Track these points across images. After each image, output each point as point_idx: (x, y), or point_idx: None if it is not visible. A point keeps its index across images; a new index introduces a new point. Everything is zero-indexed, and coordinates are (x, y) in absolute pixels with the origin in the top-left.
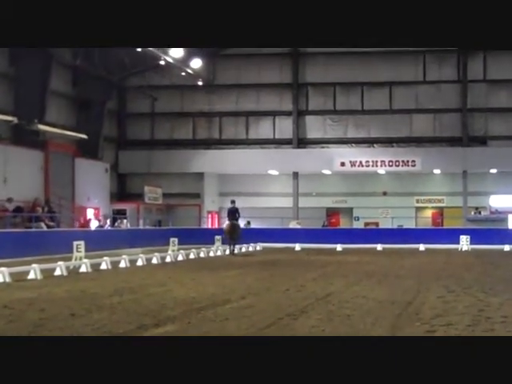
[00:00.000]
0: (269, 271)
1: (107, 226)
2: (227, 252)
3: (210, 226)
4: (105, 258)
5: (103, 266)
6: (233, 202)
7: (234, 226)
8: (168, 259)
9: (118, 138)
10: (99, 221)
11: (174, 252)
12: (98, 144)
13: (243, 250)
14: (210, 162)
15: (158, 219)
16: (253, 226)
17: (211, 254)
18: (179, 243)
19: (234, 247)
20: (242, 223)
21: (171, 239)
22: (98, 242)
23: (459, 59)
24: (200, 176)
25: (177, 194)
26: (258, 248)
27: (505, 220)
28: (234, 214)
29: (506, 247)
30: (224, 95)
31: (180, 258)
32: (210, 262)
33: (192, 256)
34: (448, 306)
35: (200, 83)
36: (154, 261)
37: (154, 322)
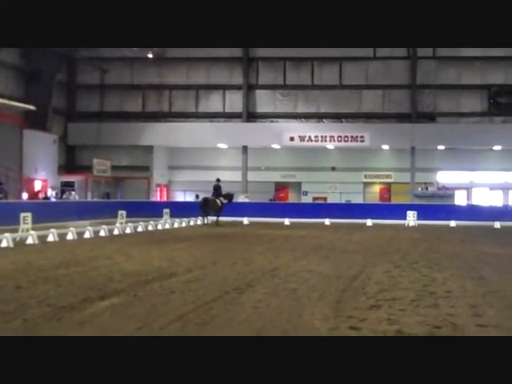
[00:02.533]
0: (216, 245)
1: (52, 198)
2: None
3: (158, 199)
4: (52, 230)
5: (50, 238)
6: (218, 180)
7: (205, 201)
8: (116, 232)
9: (67, 110)
10: (45, 193)
11: (122, 225)
12: (47, 115)
13: (191, 223)
14: (159, 134)
15: (107, 192)
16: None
17: (159, 227)
18: (127, 216)
19: (207, 219)
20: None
21: (119, 212)
22: (46, 213)
23: None
24: (149, 149)
25: (126, 166)
26: (206, 221)
27: (451, 196)
28: (216, 190)
29: (452, 223)
30: (174, 68)
31: (128, 230)
32: (157, 235)
33: (140, 229)
34: (393, 281)
35: (150, 56)
36: (102, 233)
37: (99, 295)
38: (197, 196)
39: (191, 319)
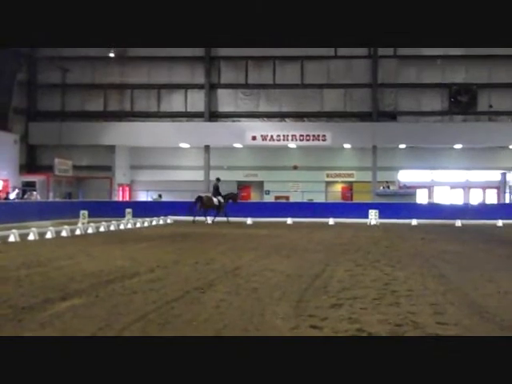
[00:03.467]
0: (178, 244)
1: (14, 198)
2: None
3: (120, 199)
4: (13, 230)
5: (11, 239)
6: (217, 179)
7: (200, 198)
8: (78, 232)
9: (28, 110)
10: (7, 193)
11: (84, 225)
12: (8, 115)
13: (154, 222)
14: (121, 134)
15: (68, 192)
16: (164, 199)
17: (121, 227)
18: (89, 216)
19: (206, 216)
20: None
21: (81, 212)
22: (7, 214)
23: None
24: (111, 148)
25: (87, 166)
26: (168, 221)
27: (413, 195)
28: (215, 189)
29: (414, 221)
30: (136, 68)
31: (90, 230)
32: (120, 234)
33: (102, 229)
34: (355, 280)
35: (112, 55)
36: (64, 234)
37: (60, 296)
38: (159, 195)
39: (153, 319)
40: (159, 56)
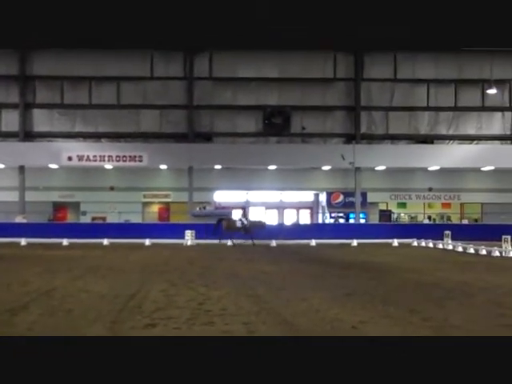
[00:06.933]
0: None
1: None
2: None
3: None
4: None
5: None
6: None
7: (220, 221)
8: None
9: None
10: None
11: None
12: None
13: None
14: None
15: None
16: None
17: None
18: None
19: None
20: None
21: None
22: None
23: (186, 57)
24: None
25: None
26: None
27: (229, 215)
28: (243, 212)
29: (229, 242)
30: None
31: None
32: None
33: None
34: (170, 300)
35: None
36: None
37: None
38: None
39: None
40: None
